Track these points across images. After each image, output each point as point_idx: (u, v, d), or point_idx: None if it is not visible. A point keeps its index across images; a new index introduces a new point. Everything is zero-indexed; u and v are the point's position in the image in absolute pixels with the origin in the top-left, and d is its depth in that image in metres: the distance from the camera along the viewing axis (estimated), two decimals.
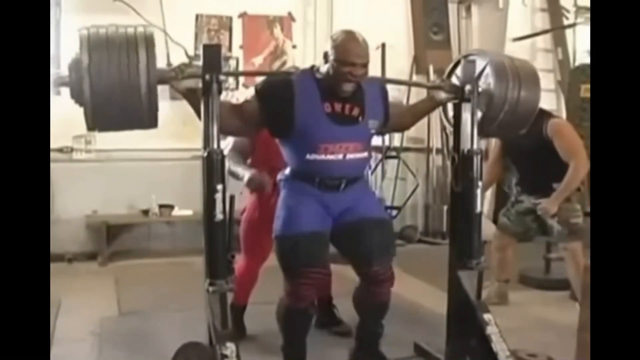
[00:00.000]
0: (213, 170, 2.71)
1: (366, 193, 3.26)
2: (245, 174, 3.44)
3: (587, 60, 6.16)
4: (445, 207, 7.00)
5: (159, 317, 4.31)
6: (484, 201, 4.52)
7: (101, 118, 2.66)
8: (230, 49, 6.74)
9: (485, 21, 7.59)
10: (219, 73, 2.74)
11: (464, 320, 3.25)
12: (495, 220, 4.70)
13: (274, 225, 3.07)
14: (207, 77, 2.72)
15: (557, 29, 7.25)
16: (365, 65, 2.92)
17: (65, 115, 5.76)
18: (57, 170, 5.65)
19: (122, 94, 2.57)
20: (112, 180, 6.21)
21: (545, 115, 4.11)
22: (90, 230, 6.18)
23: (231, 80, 6.52)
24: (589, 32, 2.46)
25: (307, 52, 6.97)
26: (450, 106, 3.46)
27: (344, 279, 3.65)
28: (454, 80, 3.39)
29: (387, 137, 6.68)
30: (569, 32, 7.20)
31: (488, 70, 3.23)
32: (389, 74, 6.88)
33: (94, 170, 6.23)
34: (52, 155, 5.48)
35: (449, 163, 3.70)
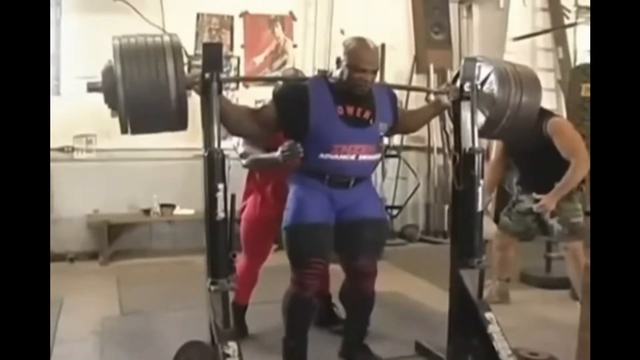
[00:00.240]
0: (214, 169, 2.72)
1: (369, 193, 3.35)
2: (274, 153, 3.36)
3: (587, 59, 6.15)
4: (446, 206, 6.99)
5: (160, 316, 4.32)
6: (490, 201, 4.56)
7: (134, 121, 2.77)
8: (231, 48, 6.74)
9: (486, 21, 7.59)
10: (219, 72, 2.77)
11: (466, 319, 3.25)
12: (496, 220, 4.70)
13: (283, 217, 3.17)
14: (207, 75, 2.74)
15: (557, 29, 7.24)
16: (375, 72, 3.10)
17: (66, 115, 5.77)
18: (58, 170, 5.67)
19: (153, 99, 2.70)
20: (114, 180, 6.22)
21: (545, 114, 4.13)
22: (92, 229, 6.18)
23: None
24: (590, 31, 2.46)
25: (308, 51, 6.98)
26: None
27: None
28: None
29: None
30: (569, 32, 7.20)
31: (492, 77, 3.30)
32: (390, 74, 6.91)
33: (95, 170, 6.23)
34: (53, 154, 5.51)
35: (449, 162, 3.72)
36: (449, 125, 3.64)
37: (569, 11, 7.21)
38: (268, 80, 5.60)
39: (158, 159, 6.22)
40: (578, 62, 6.89)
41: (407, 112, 4.01)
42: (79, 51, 5.80)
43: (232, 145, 3.59)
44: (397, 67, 7.20)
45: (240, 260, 3.54)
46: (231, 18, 6.75)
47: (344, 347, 3.50)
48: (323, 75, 3.26)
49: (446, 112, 3.59)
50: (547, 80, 7.20)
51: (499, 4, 7.31)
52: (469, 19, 7.69)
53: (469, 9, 7.67)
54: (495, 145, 4.65)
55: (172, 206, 6.32)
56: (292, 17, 6.99)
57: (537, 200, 4.20)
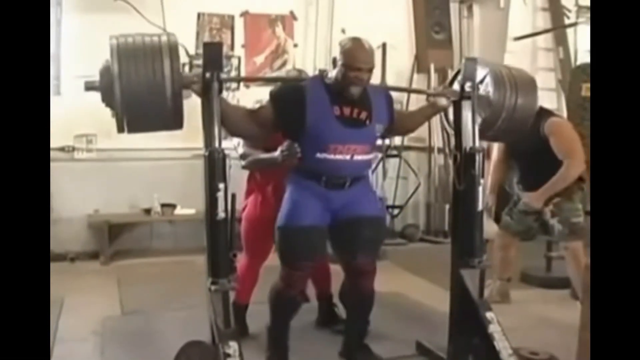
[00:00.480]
0: (215, 169, 2.72)
1: (366, 192, 3.37)
2: (273, 153, 3.38)
3: (588, 59, 6.15)
4: (446, 206, 7.00)
5: (161, 316, 4.32)
6: (492, 204, 4.57)
7: (131, 120, 2.78)
8: (232, 47, 6.75)
9: (487, 20, 7.59)
10: (220, 71, 2.77)
11: (467, 318, 3.25)
12: (497, 220, 4.71)
13: (278, 217, 3.22)
14: (208, 75, 2.74)
15: (558, 28, 7.24)
16: (370, 71, 3.12)
17: (66, 115, 5.76)
18: (59, 170, 5.67)
19: (150, 98, 2.71)
20: (114, 180, 6.23)
21: (544, 114, 4.16)
22: (92, 229, 6.18)
23: None
24: (589, 31, 2.46)
25: (308, 51, 6.98)
26: (451, 111, 3.53)
27: None
28: (456, 87, 3.46)
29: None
30: (570, 32, 7.20)
31: (487, 79, 3.34)
32: (390, 74, 6.92)
33: (95, 170, 6.23)
34: (54, 154, 5.51)
35: (450, 162, 3.73)
36: (448, 128, 3.67)
37: (570, 11, 7.21)
38: (269, 81, 5.60)
39: (159, 159, 6.23)
40: (578, 62, 6.90)
41: (403, 113, 4.10)
42: (79, 51, 5.79)
43: (233, 145, 3.60)
44: (397, 67, 7.21)
45: (240, 260, 3.55)
46: (232, 18, 6.76)
47: (345, 347, 3.51)
48: (320, 75, 3.29)
49: (442, 115, 3.65)
50: (548, 80, 7.22)
51: (499, 3, 7.31)
52: (469, 18, 7.69)
53: (470, 8, 7.68)
54: (496, 146, 4.65)
55: (173, 206, 6.32)
56: (293, 16, 7.00)
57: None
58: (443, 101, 3.38)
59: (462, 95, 3.31)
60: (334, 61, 3.12)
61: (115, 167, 6.24)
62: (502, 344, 3.02)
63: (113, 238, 6.21)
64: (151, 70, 2.69)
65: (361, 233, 3.22)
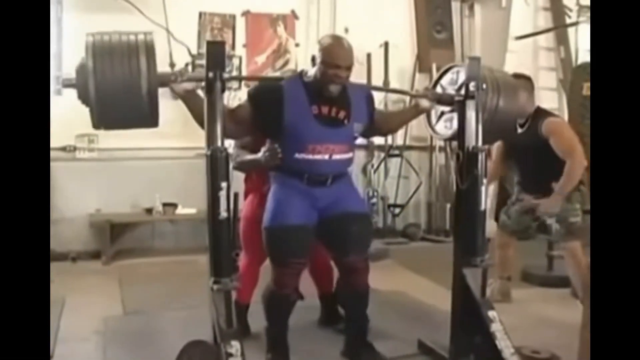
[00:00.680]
0: (217, 168, 2.72)
1: (350, 189, 3.41)
2: (257, 154, 3.41)
3: (589, 58, 6.15)
4: (448, 205, 7.02)
5: (163, 315, 4.32)
6: (488, 198, 4.57)
7: (105, 117, 2.79)
8: (233, 47, 6.75)
9: (488, 20, 7.59)
10: (222, 71, 2.76)
11: (469, 317, 3.26)
12: (497, 218, 4.71)
13: (263, 217, 3.24)
14: (211, 74, 2.73)
15: (559, 28, 7.24)
16: (349, 68, 3.11)
17: (67, 115, 5.77)
18: (60, 169, 5.69)
19: (125, 96, 2.70)
20: (116, 179, 6.22)
21: (542, 114, 4.20)
22: (94, 229, 6.18)
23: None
24: (589, 31, 2.46)
25: (310, 50, 6.97)
26: (433, 114, 3.62)
27: None
28: (439, 90, 3.54)
29: (389, 135, 6.69)
30: (571, 31, 7.19)
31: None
32: (392, 73, 6.94)
33: (97, 169, 6.23)
34: (55, 154, 5.53)
35: (451, 161, 3.74)
36: (430, 131, 3.74)
37: (571, 10, 7.20)
38: (270, 80, 5.59)
39: (160, 158, 6.24)
40: (580, 61, 6.89)
41: (385, 113, 4.09)
42: (80, 50, 5.78)
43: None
44: (399, 66, 7.22)
45: (241, 260, 3.55)
46: (233, 17, 6.76)
47: (347, 346, 3.51)
48: (299, 74, 3.27)
49: (425, 118, 3.67)
50: (549, 80, 7.22)
51: (501, 3, 7.31)
52: (471, 18, 7.70)
53: (471, 8, 7.68)
54: (495, 146, 4.65)
55: (175, 205, 6.31)
56: (294, 16, 7.00)
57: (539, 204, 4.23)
58: (425, 103, 3.39)
59: (467, 95, 3.29)
60: (313, 59, 3.12)
61: (116, 166, 6.24)
62: (504, 343, 3.03)
63: (114, 238, 6.20)
64: (127, 68, 2.69)
65: (350, 230, 3.25)
